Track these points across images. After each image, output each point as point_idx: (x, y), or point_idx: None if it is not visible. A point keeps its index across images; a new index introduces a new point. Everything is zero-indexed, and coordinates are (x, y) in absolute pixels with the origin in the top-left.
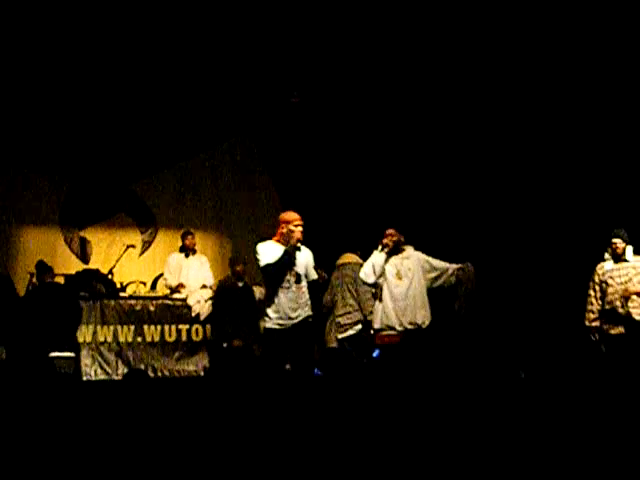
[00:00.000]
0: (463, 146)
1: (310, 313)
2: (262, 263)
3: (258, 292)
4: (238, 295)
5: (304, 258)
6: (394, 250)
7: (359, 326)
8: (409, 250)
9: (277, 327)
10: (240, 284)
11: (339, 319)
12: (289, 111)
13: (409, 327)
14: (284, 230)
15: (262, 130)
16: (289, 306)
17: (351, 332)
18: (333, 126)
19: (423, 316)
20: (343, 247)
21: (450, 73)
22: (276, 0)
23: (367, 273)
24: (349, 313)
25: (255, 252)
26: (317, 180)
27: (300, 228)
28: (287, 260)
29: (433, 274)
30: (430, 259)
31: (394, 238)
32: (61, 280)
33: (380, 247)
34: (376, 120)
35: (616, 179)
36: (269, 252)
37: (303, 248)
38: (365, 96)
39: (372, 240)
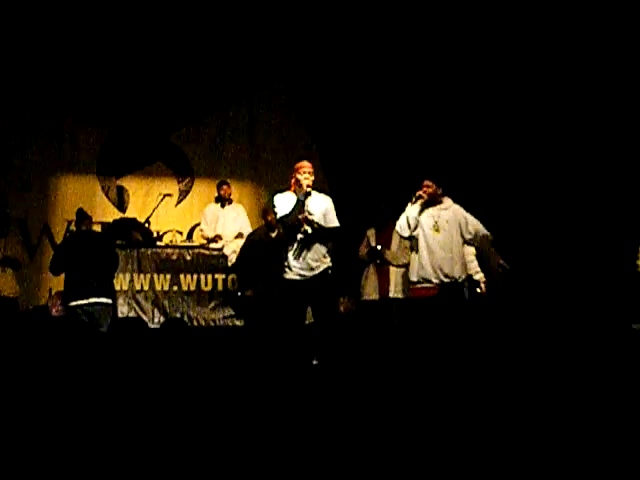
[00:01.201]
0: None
1: (330, 264)
2: (278, 215)
3: None
4: (268, 246)
5: (321, 206)
6: (431, 202)
7: None
8: (447, 202)
9: (298, 278)
10: (273, 234)
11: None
12: (324, 61)
13: (445, 280)
14: (294, 179)
15: (299, 81)
16: (309, 256)
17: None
18: (370, 77)
19: (460, 270)
20: (379, 198)
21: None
22: None
23: (402, 226)
24: None
25: (272, 204)
26: (353, 130)
27: (307, 174)
28: (299, 208)
29: (468, 235)
30: (468, 217)
31: (430, 190)
32: (98, 228)
33: (414, 199)
34: (415, 71)
35: None
36: (284, 203)
37: (320, 195)
38: (404, 47)
39: (409, 190)
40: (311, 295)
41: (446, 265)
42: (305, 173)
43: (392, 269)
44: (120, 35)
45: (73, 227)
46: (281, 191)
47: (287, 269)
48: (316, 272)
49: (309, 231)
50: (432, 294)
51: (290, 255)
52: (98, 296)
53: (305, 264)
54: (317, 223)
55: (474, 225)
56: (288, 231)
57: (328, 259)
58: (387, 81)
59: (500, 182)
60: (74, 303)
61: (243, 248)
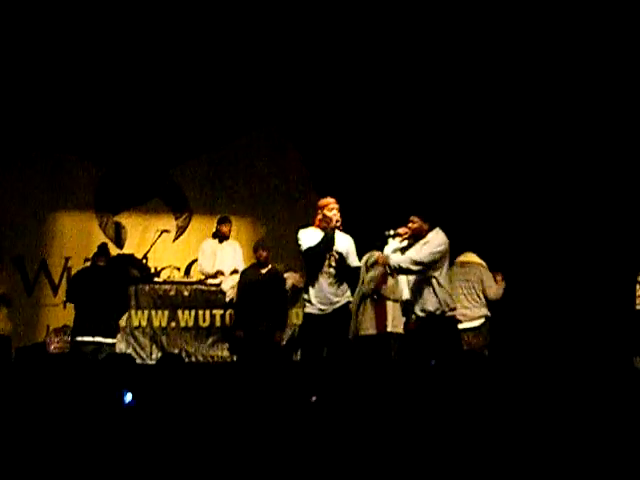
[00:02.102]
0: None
1: (350, 299)
2: (303, 248)
3: (292, 279)
4: (261, 282)
5: (345, 244)
6: (416, 236)
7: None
8: (429, 236)
9: (318, 312)
10: (263, 271)
11: (465, 311)
12: (320, 97)
13: (420, 315)
14: (320, 216)
15: (296, 117)
16: (330, 291)
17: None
18: (367, 112)
19: (434, 305)
20: (378, 230)
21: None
22: None
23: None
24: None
25: (296, 237)
26: (351, 166)
27: (335, 211)
28: (327, 243)
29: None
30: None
31: (414, 226)
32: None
33: (393, 234)
34: (412, 107)
35: None
36: (310, 237)
37: (343, 235)
38: (399, 79)
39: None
40: (329, 329)
41: (420, 300)
42: (333, 210)
43: (389, 303)
44: (118, 71)
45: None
46: (304, 226)
47: (307, 303)
48: (336, 306)
49: (333, 265)
50: (411, 328)
51: (311, 289)
52: (105, 336)
53: (325, 298)
54: (341, 255)
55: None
56: (310, 264)
57: (348, 293)
58: (383, 117)
59: (495, 209)
60: (80, 339)
61: (239, 286)
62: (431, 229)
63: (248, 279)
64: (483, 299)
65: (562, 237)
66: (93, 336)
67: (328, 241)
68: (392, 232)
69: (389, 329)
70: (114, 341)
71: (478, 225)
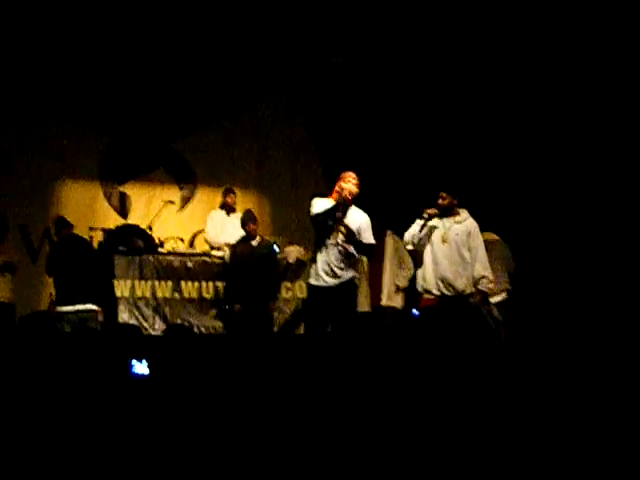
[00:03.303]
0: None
1: (356, 274)
2: (312, 213)
3: (296, 252)
4: (251, 255)
5: (358, 219)
6: (446, 212)
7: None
8: (463, 214)
9: (323, 284)
10: (254, 243)
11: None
12: (330, 70)
13: (447, 293)
14: (337, 187)
15: (303, 90)
16: (337, 264)
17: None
18: (374, 86)
19: (464, 283)
20: (387, 209)
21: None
22: None
23: (407, 240)
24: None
25: (309, 204)
26: (357, 141)
27: (350, 185)
28: (332, 212)
29: (466, 254)
30: (476, 239)
31: (444, 202)
32: (100, 234)
33: (426, 215)
34: (418, 80)
35: None
36: (321, 204)
37: (358, 211)
38: (406, 57)
39: (416, 200)
40: (333, 303)
41: (450, 277)
42: (349, 183)
43: (385, 278)
44: (123, 42)
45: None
46: (321, 195)
47: (314, 274)
48: (341, 280)
49: (343, 239)
50: (431, 304)
51: (315, 261)
52: (85, 302)
53: (330, 271)
54: (349, 229)
55: (478, 248)
56: (318, 233)
57: (354, 268)
58: (391, 90)
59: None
60: (60, 309)
61: (229, 260)
62: (459, 205)
63: (238, 253)
64: (506, 275)
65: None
66: (73, 304)
67: (333, 210)
68: (427, 215)
69: (383, 303)
70: (94, 307)
71: (493, 202)
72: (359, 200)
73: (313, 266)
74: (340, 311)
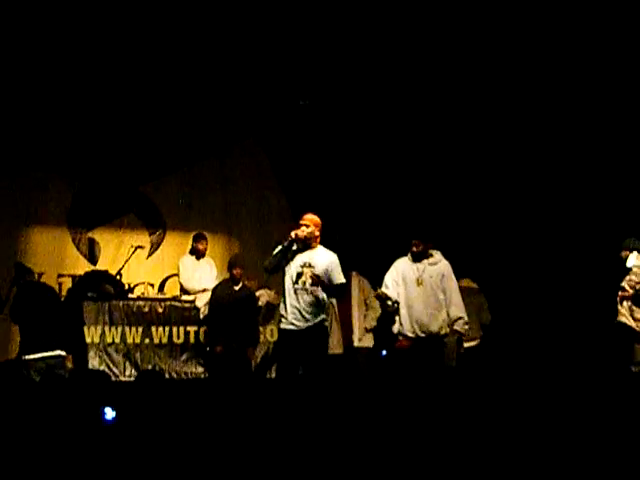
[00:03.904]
0: (478, 149)
1: (325, 317)
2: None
3: (266, 296)
4: (234, 299)
5: (326, 260)
6: (420, 256)
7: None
8: (437, 256)
9: (292, 328)
10: (236, 287)
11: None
12: (298, 114)
13: (422, 335)
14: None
15: (270, 133)
16: (305, 308)
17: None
18: (342, 129)
19: (439, 325)
20: (352, 250)
21: (460, 76)
22: (283, 3)
23: (385, 284)
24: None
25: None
26: (326, 184)
27: (304, 228)
28: (282, 254)
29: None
30: (450, 281)
31: (417, 249)
32: (69, 281)
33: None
34: (384, 123)
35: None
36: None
37: (326, 251)
38: (373, 98)
39: (384, 245)
40: (303, 346)
41: (425, 320)
42: (302, 225)
43: (354, 318)
44: (90, 87)
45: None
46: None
47: (283, 318)
48: (310, 324)
49: (308, 280)
50: (405, 346)
51: (285, 305)
52: (52, 349)
53: (299, 315)
54: (315, 275)
55: (452, 291)
56: (269, 269)
57: (324, 311)
58: (360, 132)
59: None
60: (27, 357)
61: (210, 303)
62: (432, 247)
63: (220, 296)
64: (478, 323)
65: (546, 251)
66: (40, 352)
67: (279, 253)
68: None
69: (355, 344)
70: (62, 353)
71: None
72: (326, 241)
73: (282, 310)
74: (311, 354)
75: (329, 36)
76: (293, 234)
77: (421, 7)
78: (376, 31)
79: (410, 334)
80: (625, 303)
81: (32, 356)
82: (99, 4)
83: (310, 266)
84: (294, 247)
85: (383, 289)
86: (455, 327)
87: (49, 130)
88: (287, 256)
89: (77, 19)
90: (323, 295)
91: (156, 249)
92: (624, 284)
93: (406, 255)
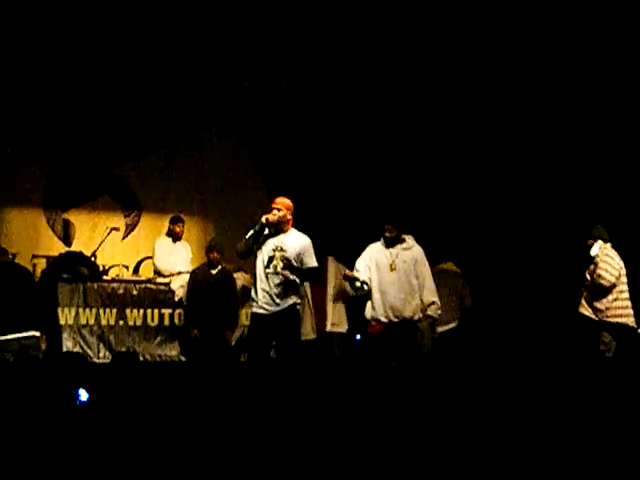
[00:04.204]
0: (458, 137)
1: (297, 300)
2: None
3: (242, 279)
4: (212, 283)
5: (298, 243)
6: (393, 241)
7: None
8: (410, 241)
9: (264, 312)
10: (214, 271)
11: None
12: (275, 97)
13: (395, 320)
14: None
15: (248, 116)
16: (276, 292)
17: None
18: (319, 111)
19: (413, 309)
20: (328, 235)
21: (442, 63)
22: None
23: (357, 269)
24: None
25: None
26: (303, 169)
27: (275, 212)
28: (251, 237)
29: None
30: (423, 266)
31: (391, 235)
32: (43, 262)
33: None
34: (361, 107)
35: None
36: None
37: (299, 234)
38: (350, 82)
39: (360, 231)
40: (275, 330)
41: (398, 304)
42: (273, 209)
43: (328, 304)
44: (67, 68)
45: None
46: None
47: (254, 302)
48: (281, 307)
49: (280, 264)
50: (378, 331)
51: (256, 289)
52: (26, 330)
53: (270, 299)
54: (286, 258)
55: (425, 276)
56: (241, 253)
57: (295, 295)
58: (338, 116)
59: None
60: (0, 338)
61: (189, 286)
62: (404, 233)
63: (199, 279)
64: (457, 305)
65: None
66: (13, 332)
67: (251, 237)
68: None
69: (328, 329)
70: (37, 334)
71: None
72: (302, 226)
73: (253, 294)
74: (283, 338)
75: (308, 16)
76: (264, 218)
77: None
78: (356, 10)
79: (383, 319)
80: (585, 293)
81: (5, 337)
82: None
83: (282, 250)
84: (266, 231)
85: (355, 273)
86: (428, 312)
87: (24, 111)
88: (259, 240)
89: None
90: (294, 279)
91: (131, 231)
92: (586, 274)
93: (379, 240)
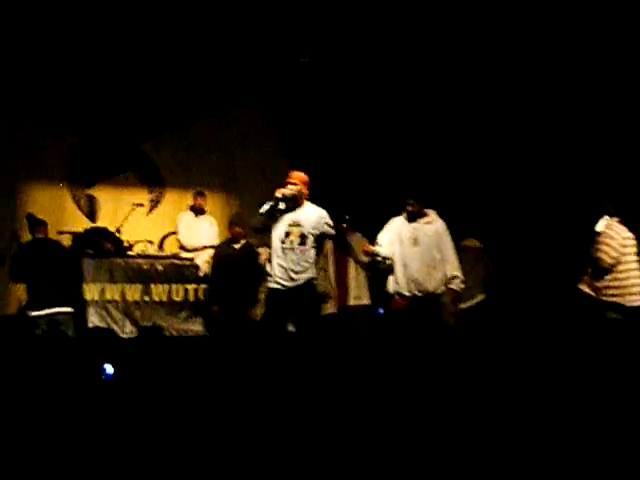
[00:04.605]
0: (475, 121)
1: (314, 275)
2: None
3: (266, 254)
4: (234, 258)
5: (312, 218)
6: (415, 216)
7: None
8: (432, 215)
9: (280, 287)
10: (237, 246)
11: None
12: (298, 71)
13: (418, 294)
14: None
15: (271, 93)
16: (292, 267)
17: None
18: (342, 89)
19: (436, 283)
20: (351, 211)
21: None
22: None
23: (378, 244)
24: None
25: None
26: (326, 144)
27: (291, 186)
28: (266, 211)
29: (437, 255)
30: (445, 240)
31: (413, 209)
32: (69, 238)
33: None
34: (386, 83)
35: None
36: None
37: (313, 208)
38: (375, 59)
39: (382, 206)
40: (292, 305)
41: (421, 279)
42: (288, 183)
43: (350, 278)
44: (90, 43)
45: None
46: None
47: (270, 277)
48: (298, 282)
49: (296, 240)
50: (403, 305)
51: (272, 264)
52: (59, 305)
53: (286, 274)
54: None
55: (449, 249)
56: (256, 228)
57: (312, 270)
58: (360, 93)
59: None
60: (34, 313)
61: (213, 262)
62: (426, 207)
63: (222, 254)
64: (480, 282)
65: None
66: (46, 308)
67: (265, 212)
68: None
69: (350, 303)
70: (69, 309)
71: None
72: (325, 202)
73: (270, 269)
74: (300, 312)
75: None
76: (280, 193)
77: None
78: None
79: (406, 293)
80: (589, 269)
81: (37, 312)
82: None
83: (298, 225)
84: (282, 206)
85: (377, 248)
86: (451, 286)
87: (49, 87)
88: (275, 215)
89: None
90: (311, 253)
91: (155, 207)
92: (590, 249)
93: (400, 215)
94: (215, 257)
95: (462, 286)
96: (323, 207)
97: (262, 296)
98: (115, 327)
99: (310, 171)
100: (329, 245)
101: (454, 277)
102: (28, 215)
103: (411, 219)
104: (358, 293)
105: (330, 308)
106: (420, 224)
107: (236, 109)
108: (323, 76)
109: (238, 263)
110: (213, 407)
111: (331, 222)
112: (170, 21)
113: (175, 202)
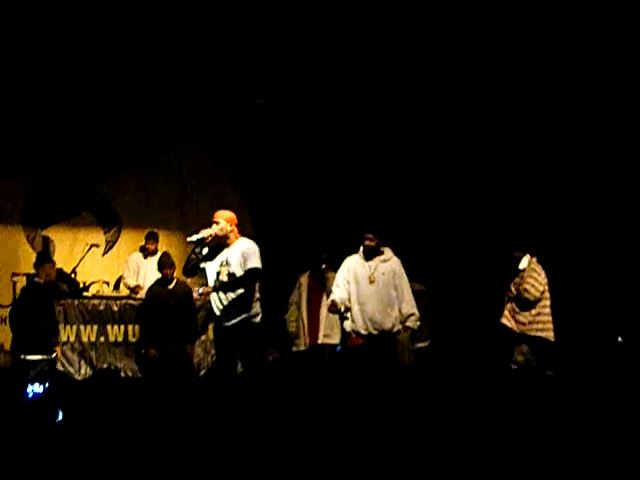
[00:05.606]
0: (425, 145)
1: (252, 313)
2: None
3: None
4: (169, 298)
5: (237, 253)
6: (372, 253)
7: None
8: (388, 253)
9: (219, 326)
10: (170, 287)
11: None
12: (254, 112)
13: (374, 332)
14: None
15: (227, 131)
16: (226, 306)
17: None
18: (298, 127)
19: (392, 321)
20: (306, 248)
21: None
22: (240, 3)
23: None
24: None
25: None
26: (282, 181)
27: (213, 225)
28: (195, 256)
29: (393, 293)
30: (401, 278)
31: (371, 244)
32: (23, 280)
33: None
34: (341, 120)
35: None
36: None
37: (241, 243)
38: (329, 97)
39: (337, 242)
40: (235, 344)
41: (377, 317)
42: (211, 223)
43: (322, 316)
44: (46, 83)
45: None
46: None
47: (214, 316)
48: (234, 321)
49: (225, 278)
50: (359, 343)
51: (212, 302)
52: (49, 353)
53: (224, 314)
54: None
55: (404, 288)
56: (184, 271)
57: (250, 309)
58: (316, 129)
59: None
60: (29, 357)
61: (143, 304)
62: (384, 245)
63: (154, 296)
64: (429, 324)
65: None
66: (39, 354)
67: (192, 253)
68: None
69: (319, 341)
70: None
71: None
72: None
73: (214, 309)
74: (243, 352)
75: (284, 35)
76: (195, 237)
77: None
78: (326, 31)
79: (363, 331)
80: (509, 304)
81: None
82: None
83: (227, 264)
84: (204, 250)
85: (334, 288)
86: (407, 324)
87: (2, 127)
88: (201, 256)
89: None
90: (243, 292)
91: (111, 247)
92: (511, 285)
93: (356, 253)
94: (146, 299)
95: (418, 324)
96: (294, 242)
97: (206, 336)
98: (70, 369)
99: (270, 207)
100: (304, 281)
101: (410, 315)
102: (38, 254)
103: (367, 257)
104: (328, 332)
105: (301, 345)
106: (376, 262)
107: (193, 145)
108: (280, 113)
109: (173, 303)
110: (165, 444)
111: (255, 254)
112: (124, 59)
113: (131, 242)
